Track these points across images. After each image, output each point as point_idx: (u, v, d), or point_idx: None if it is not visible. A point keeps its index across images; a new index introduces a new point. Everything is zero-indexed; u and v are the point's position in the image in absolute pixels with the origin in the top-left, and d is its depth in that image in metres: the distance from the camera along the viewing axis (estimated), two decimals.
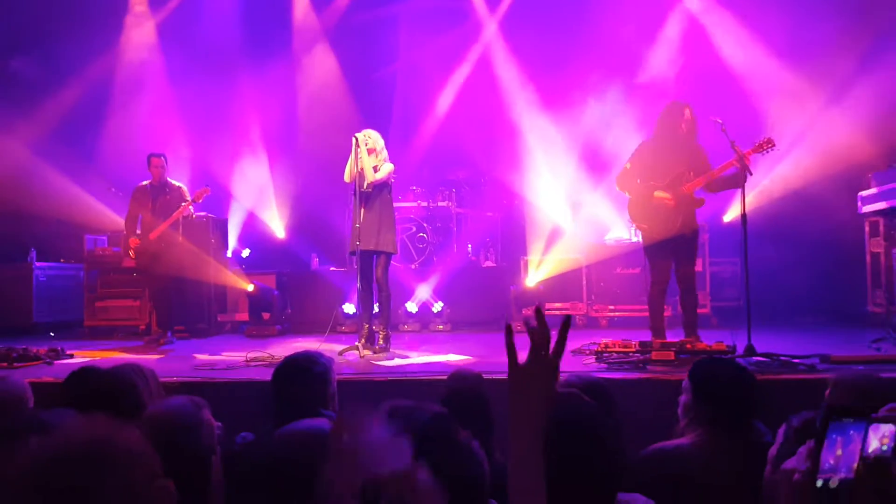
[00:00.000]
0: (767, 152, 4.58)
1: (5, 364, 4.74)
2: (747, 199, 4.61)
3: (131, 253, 6.45)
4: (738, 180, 4.52)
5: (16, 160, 7.83)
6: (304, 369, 2.26)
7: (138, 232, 6.45)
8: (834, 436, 0.95)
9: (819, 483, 0.94)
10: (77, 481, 0.80)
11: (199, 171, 8.77)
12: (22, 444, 0.86)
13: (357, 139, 5.27)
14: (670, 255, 4.75)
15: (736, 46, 7.61)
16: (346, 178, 5.39)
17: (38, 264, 7.69)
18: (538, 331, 1.10)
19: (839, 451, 0.94)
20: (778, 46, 7.25)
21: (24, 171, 7.86)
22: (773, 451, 1.73)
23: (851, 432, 0.95)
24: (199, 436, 1.53)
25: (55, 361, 4.95)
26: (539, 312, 1.11)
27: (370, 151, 5.32)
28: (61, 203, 7.82)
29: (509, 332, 1.12)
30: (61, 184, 7.96)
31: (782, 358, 3.95)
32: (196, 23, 8.95)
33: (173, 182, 6.63)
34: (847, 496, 0.92)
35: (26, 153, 7.93)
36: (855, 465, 0.93)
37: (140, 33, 9.05)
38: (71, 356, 5.20)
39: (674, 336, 4.64)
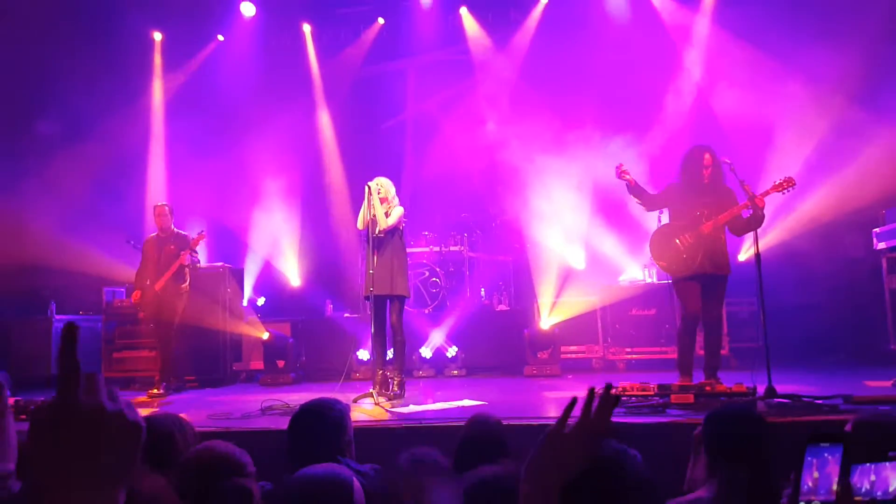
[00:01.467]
0: (787, 191, 4.61)
1: (24, 416, 4.76)
2: (762, 240, 4.63)
3: (136, 306, 6.52)
4: (757, 220, 4.55)
5: (36, 215, 8.02)
6: (320, 416, 2.24)
7: (148, 283, 6.47)
8: (810, 459, 0.97)
9: None
10: None
11: (216, 222, 8.94)
12: None
13: (370, 188, 5.37)
14: (698, 291, 4.76)
15: (750, 83, 7.65)
16: (359, 225, 5.48)
17: (57, 317, 7.78)
18: (600, 411, 1.06)
19: (815, 475, 0.97)
20: (792, 83, 7.29)
21: (44, 226, 8.04)
22: (786, 493, 1.70)
23: (826, 455, 0.97)
24: (246, 478, 1.53)
25: None
26: (608, 390, 1.07)
27: (382, 200, 5.41)
28: (80, 256, 7.95)
29: (573, 403, 1.08)
30: (80, 238, 8.12)
31: (804, 399, 3.87)
32: (213, 79, 9.27)
33: (178, 231, 6.64)
34: None
35: (46, 208, 8.12)
36: (834, 488, 0.94)
37: (158, 90, 9.39)
38: None
39: (697, 378, 4.59)
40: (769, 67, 7.47)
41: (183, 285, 6.51)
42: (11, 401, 4.94)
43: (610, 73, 8.01)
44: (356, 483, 1.34)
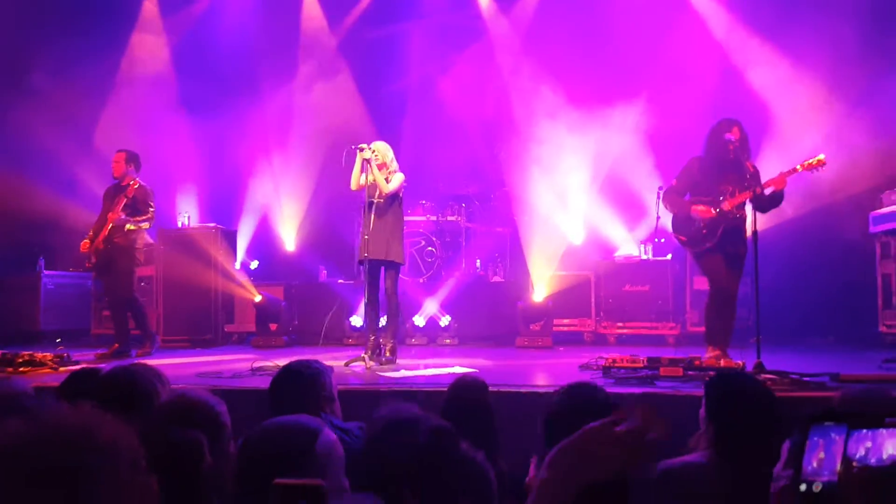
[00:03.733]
0: (817, 170, 4.50)
1: (10, 369, 4.75)
2: (759, 218, 4.59)
3: (84, 255, 6.04)
4: (777, 199, 4.51)
5: (25, 169, 7.92)
6: (297, 374, 2.32)
7: (91, 234, 5.96)
8: (816, 439, 0.96)
9: (802, 487, 0.94)
10: (58, 463, 0.79)
11: (211, 184, 8.84)
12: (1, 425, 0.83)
13: (362, 150, 5.24)
14: (723, 264, 4.68)
15: (754, 63, 7.53)
16: (353, 186, 5.40)
17: (46, 272, 7.73)
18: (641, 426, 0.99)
19: (821, 455, 0.95)
20: (793, 63, 7.17)
21: (34, 181, 7.94)
22: (777, 467, 1.70)
23: (833, 435, 0.95)
24: (211, 428, 1.51)
25: (60, 368, 4.94)
26: (650, 412, 1.02)
27: (380, 166, 5.34)
28: (70, 212, 7.87)
29: (624, 412, 1.03)
30: (70, 193, 8.03)
31: (792, 375, 3.89)
32: (209, 36, 9.08)
33: (136, 182, 5.94)
34: (831, 499, 0.92)
35: (36, 162, 8.02)
36: (837, 469, 0.93)
37: (153, 45, 9.18)
38: (77, 363, 5.20)
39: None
40: (782, 44, 7.33)
41: (125, 242, 5.89)
42: None
43: (620, 40, 7.82)
44: (325, 434, 1.33)
